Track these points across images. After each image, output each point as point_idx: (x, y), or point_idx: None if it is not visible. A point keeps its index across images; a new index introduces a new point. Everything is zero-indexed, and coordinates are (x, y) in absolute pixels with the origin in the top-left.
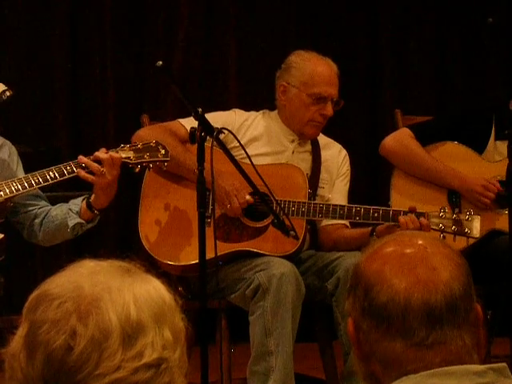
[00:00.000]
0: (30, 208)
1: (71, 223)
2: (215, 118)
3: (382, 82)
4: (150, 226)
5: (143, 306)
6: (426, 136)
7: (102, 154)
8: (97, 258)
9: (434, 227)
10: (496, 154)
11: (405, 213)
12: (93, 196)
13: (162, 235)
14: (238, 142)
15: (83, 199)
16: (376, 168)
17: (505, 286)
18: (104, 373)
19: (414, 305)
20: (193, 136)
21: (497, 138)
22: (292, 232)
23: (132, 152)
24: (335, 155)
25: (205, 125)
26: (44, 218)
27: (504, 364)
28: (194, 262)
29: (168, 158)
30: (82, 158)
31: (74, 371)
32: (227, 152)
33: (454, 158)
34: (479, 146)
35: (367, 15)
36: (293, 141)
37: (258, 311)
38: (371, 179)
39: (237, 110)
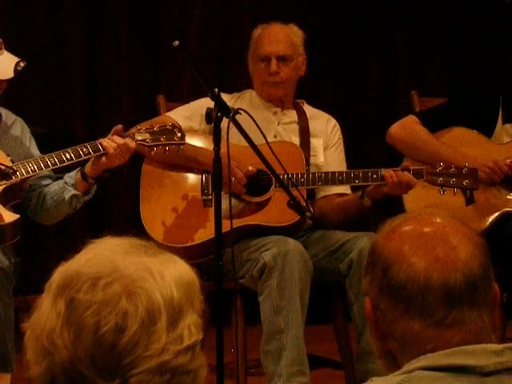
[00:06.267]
0: (36, 187)
1: (67, 196)
2: (199, 104)
3: (398, 64)
4: (152, 216)
5: (181, 288)
6: (433, 122)
7: (118, 138)
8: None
9: (433, 182)
10: (505, 136)
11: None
12: (89, 166)
13: (165, 222)
14: (255, 123)
15: (77, 171)
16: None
17: None
18: (151, 355)
19: (433, 284)
20: (209, 116)
21: (505, 121)
22: (308, 213)
23: (148, 134)
24: (323, 125)
25: (221, 105)
26: (44, 196)
27: None
28: (199, 242)
29: (184, 142)
30: (102, 141)
31: (124, 353)
32: (243, 132)
33: (462, 143)
34: (487, 129)
35: None
36: (275, 113)
37: (265, 291)
38: (387, 162)
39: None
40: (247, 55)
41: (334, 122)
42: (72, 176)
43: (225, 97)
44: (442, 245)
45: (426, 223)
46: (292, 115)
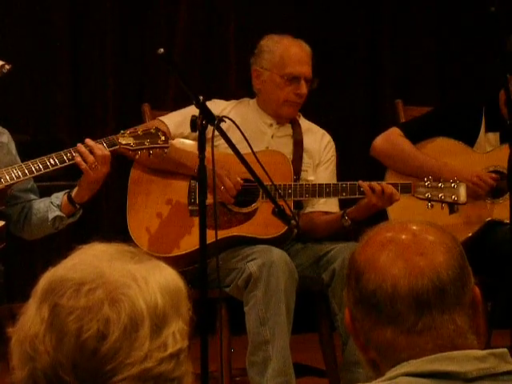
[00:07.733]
0: (20, 201)
1: (51, 216)
2: (192, 110)
3: (383, 72)
4: (138, 224)
5: (166, 295)
6: (416, 133)
7: (96, 148)
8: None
9: (421, 196)
10: (487, 145)
11: (395, 185)
12: (75, 189)
13: (151, 231)
14: (241, 132)
15: (65, 193)
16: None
17: (505, 277)
18: (133, 362)
19: (400, 291)
20: (194, 124)
21: (487, 130)
22: (293, 221)
23: (132, 138)
24: (317, 140)
25: (206, 113)
26: (28, 211)
27: (505, 349)
28: (184, 252)
29: (168, 145)
30: (81, 147)
31: (106, 360)
32: (228, 140)
33: (445, 153)
34: (470, 139)
35: (368, 4)
36: (271, 125)
37: (251, 301)
38: (371, 170)
39: (216, 100)
40: (253, 63)
41: (328, 138)
42: (59, 197)
43: (221, 104)
44: (410, 252)
45: (397, 231)
46: (287, 129)
